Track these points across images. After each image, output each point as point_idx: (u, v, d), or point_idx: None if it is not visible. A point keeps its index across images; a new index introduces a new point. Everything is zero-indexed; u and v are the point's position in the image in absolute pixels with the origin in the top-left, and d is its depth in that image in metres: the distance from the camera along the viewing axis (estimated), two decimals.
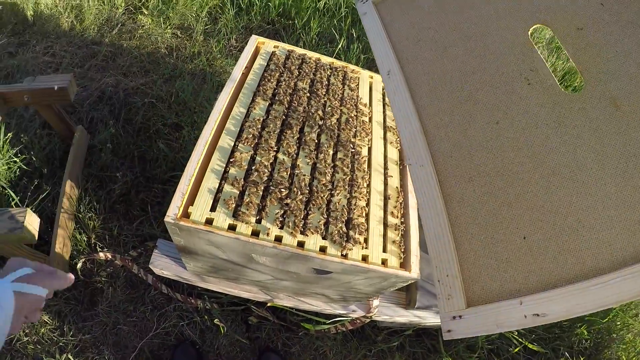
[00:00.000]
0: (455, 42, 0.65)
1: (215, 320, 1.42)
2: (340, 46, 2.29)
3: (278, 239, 0.93)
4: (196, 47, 2.24)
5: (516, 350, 1.56)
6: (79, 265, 1.45)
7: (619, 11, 0.53)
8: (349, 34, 2.41)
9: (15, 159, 1.62)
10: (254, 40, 1.30)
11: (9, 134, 1.67)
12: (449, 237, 0.53)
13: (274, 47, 1.32)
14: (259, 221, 0.94)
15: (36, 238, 1.11)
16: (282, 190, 0.97)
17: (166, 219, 0.89)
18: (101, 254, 1.46)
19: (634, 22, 0.51)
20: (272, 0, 2.42)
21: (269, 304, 1.33)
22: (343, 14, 2.49)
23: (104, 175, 1.71)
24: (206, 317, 1.45)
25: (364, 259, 0.96)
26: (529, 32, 0.59)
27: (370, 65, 2.30)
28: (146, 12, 2.33)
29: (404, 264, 1.01)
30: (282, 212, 0.95)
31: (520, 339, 1.56)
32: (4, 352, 1.32)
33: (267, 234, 0.92)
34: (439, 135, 0.60)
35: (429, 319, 1.37)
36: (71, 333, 1.39)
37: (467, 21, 0.65)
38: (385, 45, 0.70)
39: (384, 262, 0.98)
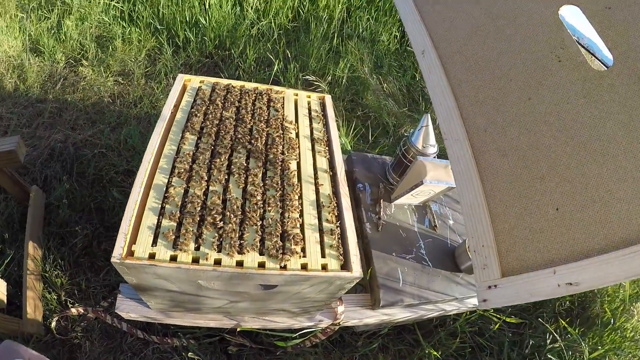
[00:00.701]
0: (486, 23, 0.65)
1: (190, 353, 1.45)
2: (277, 68, 2.38)
3: (217, 262, 0.98)
4: (138, 92, 2.30)
5: (497, 326, 1.63)
6: (53, 324, 1.47)
7: None
8: (285, 56, 2.51)
9: None
10: (181, 78, 1.38)
11: None
12: (485, 208, 0.55)
13: (199, 82, 1.40)
14: (197, 248, 1.00)
15: (5, 303, 1.13)
16: (215, 216, 1.04)
17: (112, 259, 0.94)
18: (73, 310, 1.47)
19: None
20: (208, 34, 2.50)
21: (238, 329, 1.37)
22: (276, 36, 2.59)
23: (64, 232, 1.75)
24: (184, 354, 1.49)
25: (304, 267, 1.02)
26: (559, 13, 0.60)
27: (308, 84, 2.39)
28: (86, 63, 2.39)
29: (345, 266, 1.07)
30: (218, 236, 1.01)
31: (498, 315, 1.62)
32: None
33: (207, 259, 0.98)
34: (473, 111, 0.61)
35: (398, 314, 1.42)
36: None
37: (498, 3, 0.65)
38: (418, 25, 0.69)
39: (324, 267, 1.05)
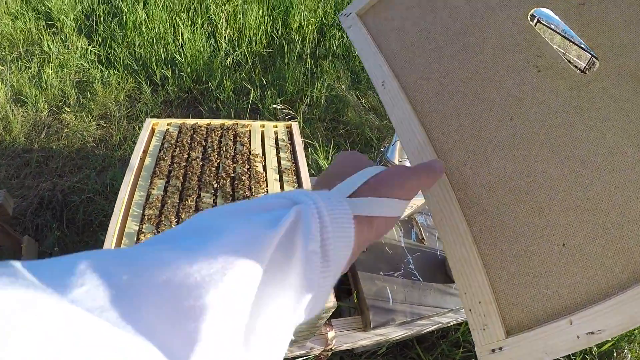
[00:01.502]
0: (451, 40, 0.57)
1: None
2: (254, 96, 2.44)
3: None
4: (121, 133, 2.36)
5: None
6: None
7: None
8: (262, 83, 2.56)
9: None
10: (148, 123, 1.43)
11: None
12: (477, 258, 0.46)
13: (167, 124, 1.45)
14: None
15: None
16: None
17: None
18: None
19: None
20: (184, 70, 2.57)
21: None
22: (250, 64, 2.64)
23: None
24: None
25: None
26: (529, 17, 0.52)
27: (286, 113, 2.44)
28: (68, 110, 2.45)
29: None
30: None
31: None
32: None
33: None
34: (448, 143, 0.52)
35: (393, 333, 1.42)
36: None
37: (459, 17, 0.58)
38: (375, 55, 0.62)
39: None
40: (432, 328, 1.47)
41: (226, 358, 0.23)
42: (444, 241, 0.50)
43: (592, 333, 0.38)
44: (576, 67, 0.52)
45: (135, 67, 2.63)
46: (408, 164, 1.40)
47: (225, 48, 2.70)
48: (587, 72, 0.47)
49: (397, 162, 1.45)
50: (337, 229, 0.31)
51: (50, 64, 2.67)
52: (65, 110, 2.46)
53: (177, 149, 1.34)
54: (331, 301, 1.06)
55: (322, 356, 1.38)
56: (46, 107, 2.47)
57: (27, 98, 2.47)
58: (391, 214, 0.38)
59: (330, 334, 1.34)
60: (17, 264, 0.20)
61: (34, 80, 2.60)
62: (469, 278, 0.46)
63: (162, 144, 1.37)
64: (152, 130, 1.43)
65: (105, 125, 2.42)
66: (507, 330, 0.43)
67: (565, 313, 0.40)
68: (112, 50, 2.74)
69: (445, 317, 1.44)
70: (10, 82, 2.56)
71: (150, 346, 0.20)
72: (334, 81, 2.70)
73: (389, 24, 0.64)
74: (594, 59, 0.50)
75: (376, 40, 0.64)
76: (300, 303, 0.29)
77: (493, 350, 0.42)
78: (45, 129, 2.37)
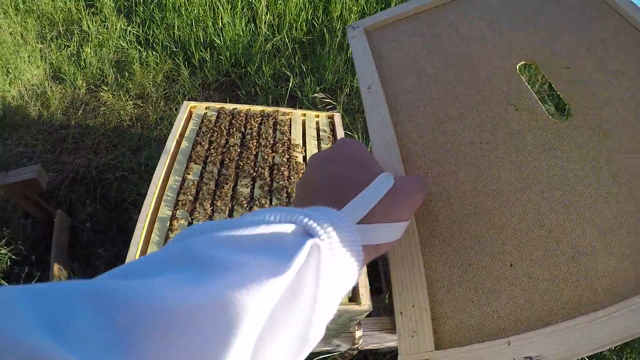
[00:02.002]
0: (444, 67, 0.62)
1: None
2: (293, 83, 2.38)
3: None
4: (158, 113, 2.35)
5: None
6: None
7: (603, 58, 0.56)
8: (301, 70, 2.51)
9: (3, 251, 1.71)
10: (186, 106, 1.39)
11: None
12: (420, 260, 0.44)
13: (205, 108, 1.41)
14: None
15: None
16: None
17: None
18: None
19: (619, 71, 0.53)
20: (223, 53, 2.53)
21: None
22: (290, 50, 2.59)
23: (88, 253, 1.80)
24: None
25: None
26: (517, 67, 0.59)
27: (326, 103, 2.39)
28: (106, 88, 2.45)
29: (353, 298, 1.04)
30: None
31: None
32: None
33: None
34: (416, 150, 0.53)
35: None
36: None
37: (456, 52, 0.63)
38: (369, 65, 0.65)
39: None
40: None
41: None
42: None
43: (531, 358, 0.37)
44: (551, 114, 0.55)
45: (174, 49, 2.61)
46: None
47: (265, 33, 2.65)
48: (560, 120, 0.51)
49: None
50: (348, 270, 0.30)
51: (89, 43, 2.68)
52: (103, 88, 2.46)
53: (215, 134, 1.30)
54: (366, 304, 1.01)
55: (347, 354, 1.35)
56: (84, 85, 2.48)
57: (65, 76, 2.49)
58: (397, 237, 0.37)
59: (358, 333, 1.30)
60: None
61: (73, 59, 2.62)
62: (407, 279, 0.44)
63: (200, 128, 1.33)
64: (190, 114, 1.40)
65: (142, 105, 2.41)
66: (437, 343, 0.40)
67: (503, 334, 0.39)
68: (151, 32, 2.72)
69: None
70: (49, 60, 2.59)
71: None
72: None
73: (389, 44, 0.68)
74: (568, 111, 0.51)
75: (374, 53, 0.67)
76: (303, 339, 0.27)
77: None
78: (83, 106, 2.38)
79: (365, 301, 1.03)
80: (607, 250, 0.41)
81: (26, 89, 2.44)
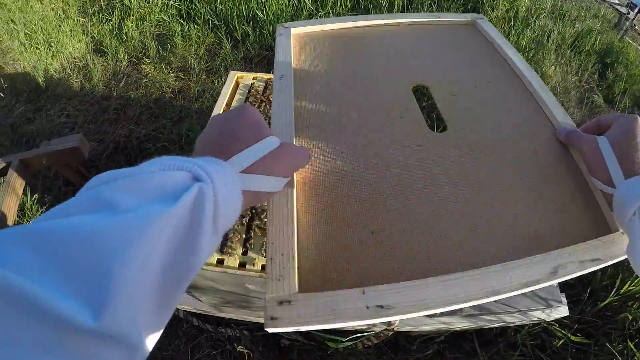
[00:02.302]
0: (352, 79, 0.74)
1: (239, 347, 1.41)
2: None
3: (265, 267, 0.94)
4: (199, 86, 2.31)
5: (560, 342, 1.46)
6: None
7: (484, 95, 0.72)
8: None
9: None
10: (233, 75, 1.33)
11: (35, 195, 1.75)
12: (293, 216, 0.49)
13: (252, 79, 1.34)
14: (245, 253, 0.96)
15: None
16: (264, 219, 0.99)
17: None
18: None
19: (499, 107, 0.70)
20: (266, 27, 2.48)
21: None
22: None
23: None
24: (236, 344, 1.45)
25: None
26: (411, 88, 0.73)
27: None
28: (148, 61, 2.43)
29: None
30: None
31: (563, 331, 1.46)
32: None
33: (253, 264, 0.94)
34: (309, 132, 0.63)
35: (457, 323, 1.28)
36: None
37: (364, 68, 0.76)
38: (286, 59, 0.75)
39: None
40: (496, 325, 1.32)
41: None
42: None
43: (382, 307, 0.43)
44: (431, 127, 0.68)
45: (216, 22, 2.57)
46: None
47: (309, 8, 2.58)
48: (436, 132, 0.65)
49: None
50: (229, 209, 0.36)
51: (130, 17, 2.66)
52: (144, 61, 2.44)
53: (263, 105, 1.23)
54: None
55: (382, 334, 1.28)
56: (126, 57, 2.46)
57: (107, 49, 2.47)
58: (275, 189, 0.44)
59: None
60: None
61: (115, 32, 2.60)
62: (280, 231, 0.49)
63: (247, 98, 1.26)
64: (237, 84, 1.33)
65: (184, 77, 2.38)
66: (301, 287, 0.45)
67: (359, 283, 0.45)
68: (193, 5, 2.69)
69: (512, 317, 1.29)
70: (91, 34, 2.58)
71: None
72: None
73: (308, 50, 0.80)
74: (445, 127, 0.67)
75: (294, 52, 0.79)
76: (191, 262, 0.33)
77: (281, 302, 0.43)
78: (125, 78, 2.36)
79: None
80: (453, 229, 0.52)
81: (68, 62, 2.43)
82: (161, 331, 0.32)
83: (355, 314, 0.42)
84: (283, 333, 1.43)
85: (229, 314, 1.28)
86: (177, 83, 2.34)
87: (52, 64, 2.39)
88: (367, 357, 1.45)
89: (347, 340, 1.35)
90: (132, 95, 2.27)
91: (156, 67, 2.40)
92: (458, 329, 1.33)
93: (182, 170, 0.35)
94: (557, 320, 1.45)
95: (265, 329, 0.42)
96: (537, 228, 0.55)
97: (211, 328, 1.43)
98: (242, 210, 0.39)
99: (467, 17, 0.93)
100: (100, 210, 0.29)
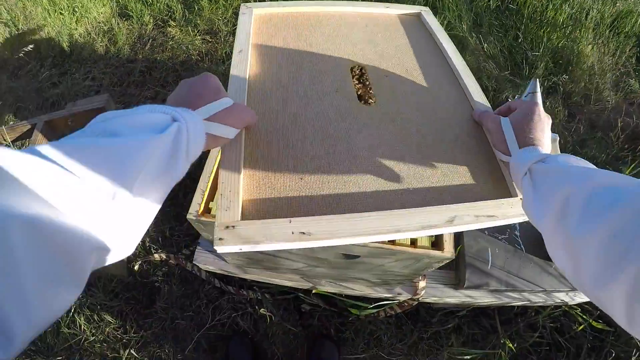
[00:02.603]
0: (299, 57, 0.86)
1: (262, 310, 1.43)
2: None
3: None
4: (226, 49, 2.28)
5: (580, 328, 1.43)
6: (137, 267, 1.53)
7: (413, 78, 0.86)
8: None
9: None
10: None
11: None
12: (240, 161, 0.60)
13: None
14: None
15: None
16: None
17: (188, 216, 0.94)
18: (156, 256, 1.52)
19: (426, 89, 0.84)
20: None
21: (314, 291, 1.32)
22: None
23: None
24: (258, 307, 1.47)
25: (391, 241, 0.91)
26: (349, 68, 0.86)
27: None
28: (174, 24, 2.40)
29: (437, 243, 0.95)
30: None
31: (584, 316, 1.42)
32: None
33: None
34: (257, 96, 0.75)
35: (481, 298, 1.28)
36: (133, 330, 1.45)
37: (311, 47, 0.90)
38: (246, 36, 0.86)
39: (413, 243, 0.93)
40: (519, 304, 1.31)
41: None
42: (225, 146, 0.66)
43: (304, 233, 0.54)
44: (360, 100, 0.80)
45: None
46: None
47: None
48: (365, 104, 0.79)
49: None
50: (196, 144, 0.51)
51: None
52: (170, 24, 2.42)
53: None
54: (449, 251, 0.93)
55: (406, 304, 1.27)
56: (151, 20, 2.44)
57: (132, 12, 2.45)
58: (229, 136, 0.59)
59: (422, 283, 1.24)
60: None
61: None
62: (229, 172, 0.60)
63: None
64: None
65: (210, 40, 2.35)
66: (242, 216, 0.56)
67: (288, 215, 0.57)
68: None
69: (536, 296, 1.27)
70: None
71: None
72: (455, 19, 2.43)
73: (266, 30, 0.92)
74: (372, 100, 0.80)
75: (253, 30, 0.91)
76: (168, 177, 0.47)
77: (227, 227, 0.54)
78: (150, 41, 2.35)
79: (449, 248, 0.93)
80: (369, 179, 0.65)
81: (93, 27, 2.42)
82: (159, 207, 0.48)
83: (283, 238, 0.54)
84: (304, 299, 1.44)
85: (253, 275, 1.29)
86: (203, 46, 2.31)
87: (76, 28, 2.39)
88: (387, 327, 1.45)
89: (372, 308, 1.35)
90: (158, 58, 2.26)
91: (182, 30, 2.37)
92: (482, 304, 1.32)
93: (164, 114, 0.48)
94: (579, 305, 1.43)
95: (214, 248, 0.52)
96: (444, 185, 0.66)
97: (233, 290, 1.45)
98: (205, 147, 0.53)
99: (414, 9, 1.07)
100: (107, 137, 0.41)
